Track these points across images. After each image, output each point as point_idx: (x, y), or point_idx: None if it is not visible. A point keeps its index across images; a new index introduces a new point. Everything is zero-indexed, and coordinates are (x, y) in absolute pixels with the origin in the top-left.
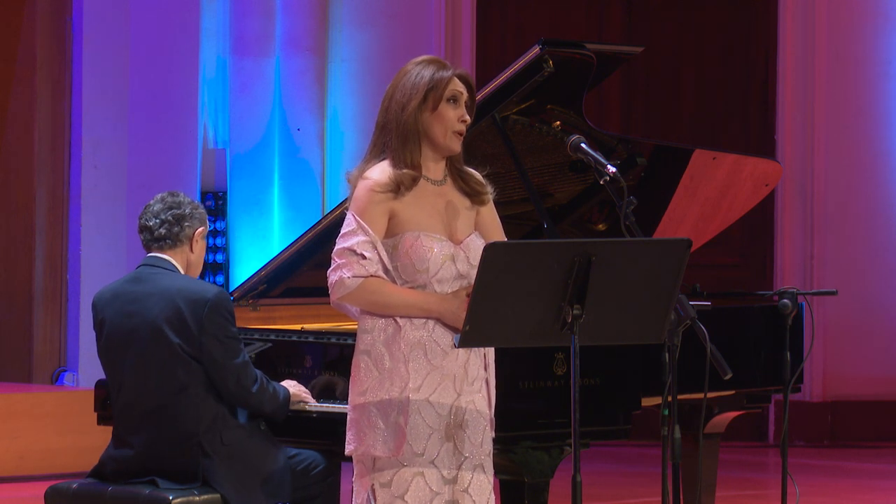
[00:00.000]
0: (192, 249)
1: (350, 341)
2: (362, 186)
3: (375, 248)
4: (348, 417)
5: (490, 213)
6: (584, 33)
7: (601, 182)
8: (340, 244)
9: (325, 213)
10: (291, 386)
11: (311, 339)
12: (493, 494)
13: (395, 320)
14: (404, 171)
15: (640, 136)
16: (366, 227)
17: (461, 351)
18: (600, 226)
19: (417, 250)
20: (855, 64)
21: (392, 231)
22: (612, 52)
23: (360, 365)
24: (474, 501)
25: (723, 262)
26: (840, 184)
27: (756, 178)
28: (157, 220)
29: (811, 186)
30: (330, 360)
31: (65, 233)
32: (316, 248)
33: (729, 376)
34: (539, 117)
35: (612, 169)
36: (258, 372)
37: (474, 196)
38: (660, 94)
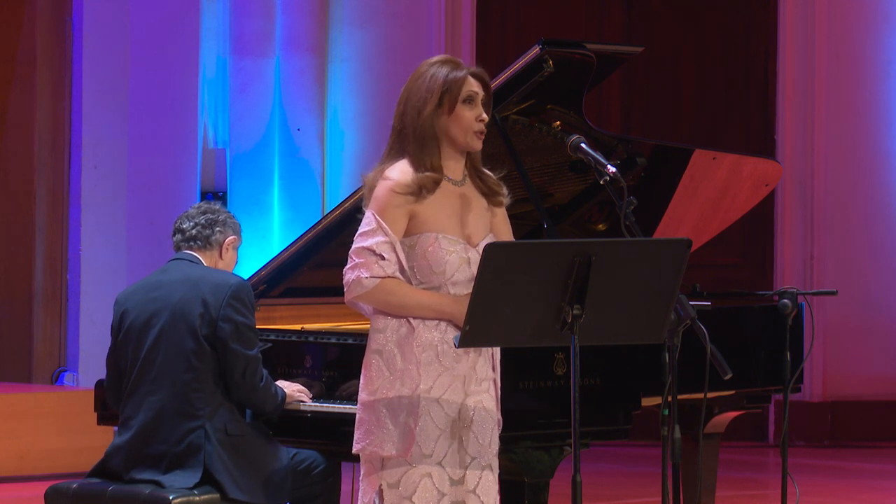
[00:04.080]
0: (221, 256)
1: (350, 341)
2: (383, 186)
3: (394, 248)
4: (357, 416)
5: (503, 216)
6: (584, 33)
7: (601, 182)
8: (359, 243)
9: (326, 214)
10: (286, 386)
11: (311, 339)
12: (498, 495)
13: (409, 321)
14: (427, 174)
15: (640, 136)
16: (385, 227)
17: (472, 353)
18: (600, 226)
19: (435, 253)
20: (855, 64)
21: (410, 230)
22: (612, 52)
23: (372, 364)
24: (482, 502)
25: (723, 262)
26: (840, 184)
27: (756, 178)
28: (191, 223)
29: (811, 186)
30: (330, 360)
31: (65, 233)
32: (316, 248)
33: (729, 376)
34: (539, 117)
35: (612, 169)
36: (265, 371)
37: (492, 196)
38: (660, 94)
